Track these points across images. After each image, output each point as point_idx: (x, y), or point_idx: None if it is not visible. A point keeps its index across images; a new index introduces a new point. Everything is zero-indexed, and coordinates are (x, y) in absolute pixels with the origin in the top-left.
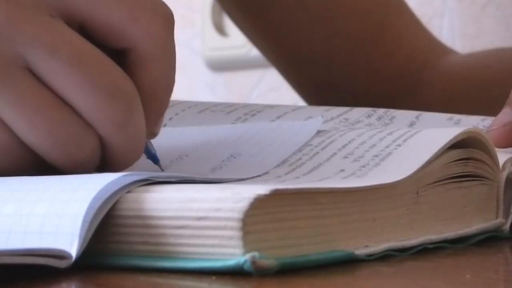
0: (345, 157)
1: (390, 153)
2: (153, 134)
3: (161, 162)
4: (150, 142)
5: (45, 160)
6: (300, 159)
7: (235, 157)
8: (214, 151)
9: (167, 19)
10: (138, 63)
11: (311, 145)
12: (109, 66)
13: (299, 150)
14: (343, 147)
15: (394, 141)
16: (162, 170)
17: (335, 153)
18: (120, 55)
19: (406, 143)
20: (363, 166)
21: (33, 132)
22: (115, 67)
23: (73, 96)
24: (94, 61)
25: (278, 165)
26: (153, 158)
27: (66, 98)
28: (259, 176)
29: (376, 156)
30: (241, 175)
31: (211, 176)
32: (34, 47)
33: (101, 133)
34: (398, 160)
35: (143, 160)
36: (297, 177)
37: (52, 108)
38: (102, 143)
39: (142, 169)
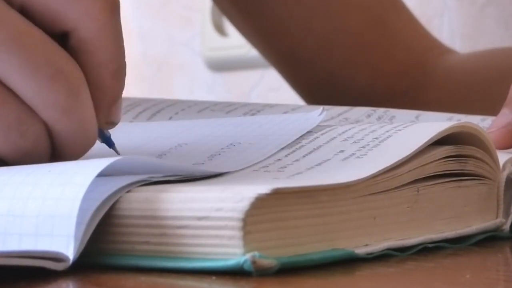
0: (345, 139)
1: (390, 136)
2: (109, 123)
3: (160, 149)
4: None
5: None
6: (299, 142)
7: (234, 145)
8: (214, 142)
9: (110, 1)
10: (79, 47)
11: (311, 131)
12: (50, 47)
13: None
14: (343, 132)
15: (394, 127)
16: (118, 154)
17: (334, 137)
18: (64, 41)
19: (406, 129)
20: (363, 147)
21: None
22: (57, 48)
23: (14, 79)
24: (34, 41)
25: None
26: (108, 141)
27: (6, 81)
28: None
29: (376, 138)
30: (239, 164)
31: (209, 163)
32: None
33: (44, 118)
34: (398, 142)
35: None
36: (297, 160)
37: None
38: (49, 130)
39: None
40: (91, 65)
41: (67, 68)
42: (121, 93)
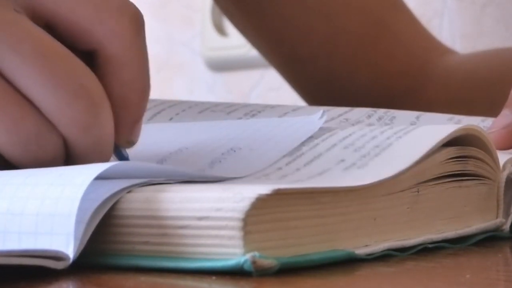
0: (346, 147)
1: (391, 144)
2: (129, 142)
3: (161, 154)
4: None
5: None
6: (300, 149)
7: (235, 151)
8: (215, 145)
9: (135, 19)
10: (105, 65)
11: (312, 137)
12: (74, 63)
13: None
14: (344, 138)
15: (395, 133)
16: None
17: (335, 144)
18: (90, 59)
19: (407, 136)
20: (364, 156)
21: None
22: (81, 65)
23: (36, 93)
24: (58, 57)
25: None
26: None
27: (29, 95)
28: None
29: (377, 146)
30: (240, 171)
31: (209, 171)
32: None
33: (64, 134)
34: (399, 151)
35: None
36: (298, 169)
37: (13, 104)
38: (66, 144)
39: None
40: (117, 83)
41: (89, 85)
42: (144, 113)
